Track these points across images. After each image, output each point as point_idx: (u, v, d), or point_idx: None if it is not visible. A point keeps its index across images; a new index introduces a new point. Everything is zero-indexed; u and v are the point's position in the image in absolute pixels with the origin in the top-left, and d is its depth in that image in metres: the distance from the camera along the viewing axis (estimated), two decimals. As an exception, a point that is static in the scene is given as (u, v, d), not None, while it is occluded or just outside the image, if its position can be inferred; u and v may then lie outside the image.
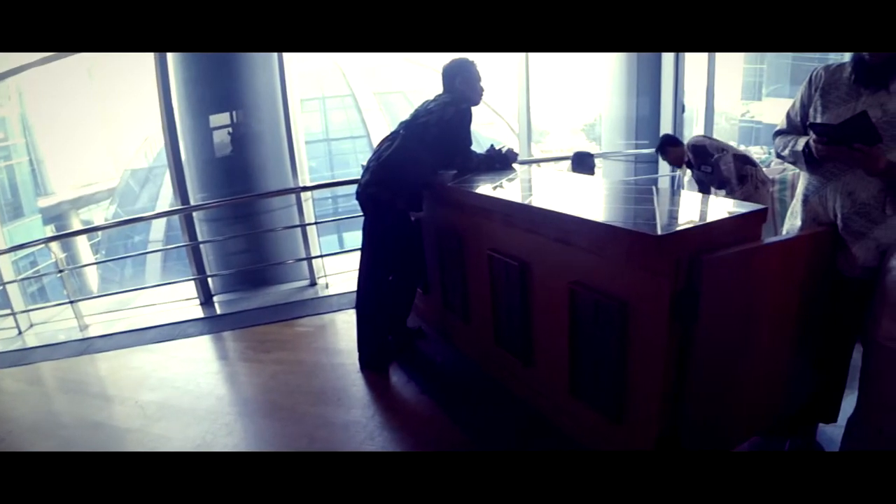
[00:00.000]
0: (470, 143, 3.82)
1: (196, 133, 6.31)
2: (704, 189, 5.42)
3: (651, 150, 7.85)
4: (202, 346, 4.73)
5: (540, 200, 3.12)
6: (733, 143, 5.34)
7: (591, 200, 3.11)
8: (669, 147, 5.43)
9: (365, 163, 3.95)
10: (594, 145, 8.31)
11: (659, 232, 2.24)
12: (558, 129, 25.01)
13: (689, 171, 5.71)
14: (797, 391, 2.89)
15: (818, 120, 2.61)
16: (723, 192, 5.07)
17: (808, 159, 2.64)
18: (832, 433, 2.98)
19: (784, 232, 2.91)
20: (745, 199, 4.61)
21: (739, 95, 24.50)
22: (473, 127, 3.79)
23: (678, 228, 2.28)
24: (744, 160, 4.93)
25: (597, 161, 8.24)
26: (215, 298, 5.85)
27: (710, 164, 5.01)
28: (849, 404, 2.77)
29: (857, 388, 2.69)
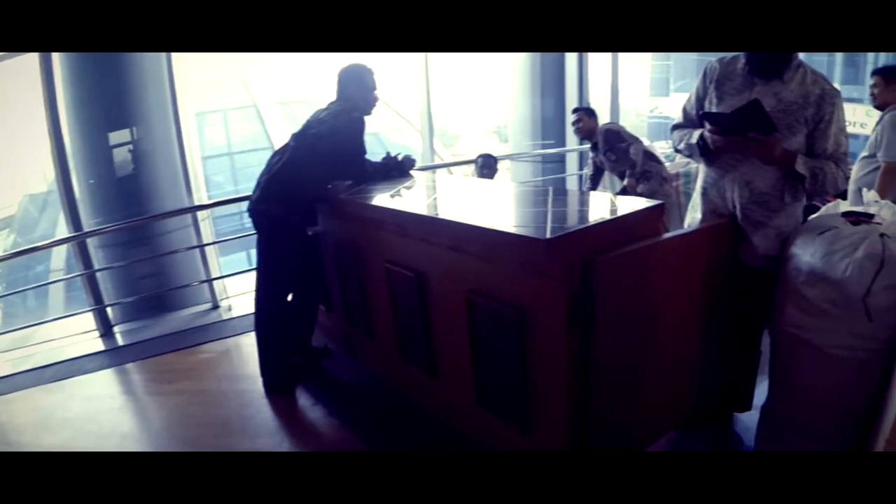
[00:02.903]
0: (364, 152, 3.68)
1: (86, 154, 5.99)
2: (598, 175, 5.55)
3: (557, 150, 7.91)
4: (104, 381, 4.45)
5: (433, 208, 3.05)
6: (645, 140, 5.36)
7: (486, 205, 3.03)
8: (584, 115, 5.36)
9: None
10: (507, 147, 8.38)
11: (548, 235, 2.16)
12: (470, 132, 25.10)
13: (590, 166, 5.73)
14: (709, 383, 2.90)
15: (713, 111, 2.60)
16: (622, 183, 5.09)
17: (702, 151, 2.66)
18: (748, 421, 3.01)
19: (686, 226, 2.93)
20: (650, 195, 4.65)
21: (648, 92, 25.13)
22: (381, 133, 3.69)
23: (569, 230, 2.21)
24: (649, 156, 4.97)
25: (506, 162, 8.25)
26: (116, 329, 5.54)
27: (618, 151, 5.02)
28: (764, 391, 2.79)
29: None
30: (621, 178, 5.23)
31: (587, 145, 5.58)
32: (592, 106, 6.04)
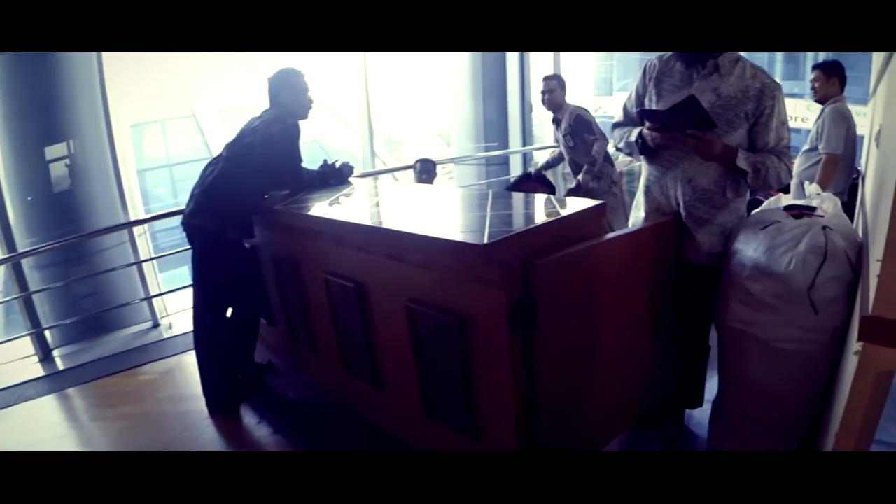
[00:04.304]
0: (300, 160, 3.57)
1: (19, 172, 5.77)
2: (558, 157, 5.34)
3: (501, 153, 7.88)
4: (45, 408, 4.27)
5: (371, 216, 2.98)
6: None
7: (425, 211, 2.98)
8: (557, 86, 5.11)
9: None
10: (451, 150, 8.34)
11: (485, 240, 2.10)
12: (414, 137, 24.96)
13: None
14: (661, 382, 2.89)
15: (651, 108, 2.60)
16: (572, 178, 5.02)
17: (642, 149, 2.65)
18: (700, 417, 3.04)
19: (630, 225, 2.92)
20: (599, 195, 4.63)
21: (593, 92, 25.34)
22: (322, 139, 3.57)
23: (506, 234, 2.15)
24: (606, 157, 4.93)
25: (450, 166, 8.19)
26: (55, 352, 5.34)
27: (579, 140, 4.91)
28: (715, 387, 2.81)
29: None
30: (571, 166, 5.15)
31: (532, 146, 5.51)
32: (534, 107, 5.94)
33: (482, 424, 2.49)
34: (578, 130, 4.94)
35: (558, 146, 5.36)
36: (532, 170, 5.22)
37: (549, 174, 5.48)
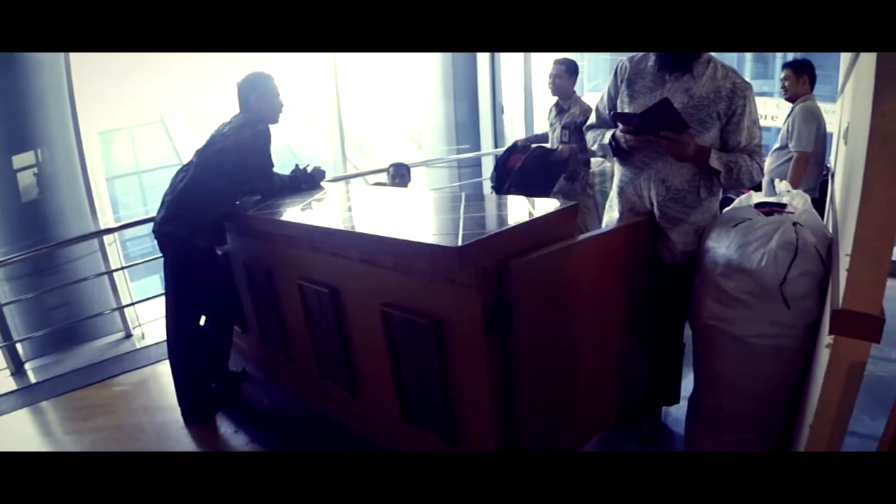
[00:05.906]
0: (271, 165, 3.54)
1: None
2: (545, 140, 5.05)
3: (472, 154, 7.86)
4: (19, 422, 4.19)
5: (344, 221, 2.95)
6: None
7: (399, 215, 2.96)
8: (565, 73, 4.73)
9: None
10: (424, 153, 8.33)
11: (459, 243, 2.09)
12: (386, 140, 24.81)
13: None
14: (638, 380, 2.90)
15: (626, 110, 2.60)
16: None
17: (615, 151, 2.66)
18: (677, 414, 3.07)
19: (604, 225, 2.92)
20: (573, 196, 4.60)
21: (563, 91, 25.37)
22: (292, 144, 3.52)
23: (480, 236, 2.14)
24: (586, 163, 4.88)
25: (423, 168, 8.16)
26: (27, 365, 5.25)
27: (576, 139, 4.62)
28: (690, 383, 2.83)
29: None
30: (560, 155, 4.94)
31: (503, 148, 5.41)
32: (506, 108, 5.83)
33: (460, 427, 2.48)
34: (580, 131, 4.62)
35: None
36: (519, 142, 5.09)
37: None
